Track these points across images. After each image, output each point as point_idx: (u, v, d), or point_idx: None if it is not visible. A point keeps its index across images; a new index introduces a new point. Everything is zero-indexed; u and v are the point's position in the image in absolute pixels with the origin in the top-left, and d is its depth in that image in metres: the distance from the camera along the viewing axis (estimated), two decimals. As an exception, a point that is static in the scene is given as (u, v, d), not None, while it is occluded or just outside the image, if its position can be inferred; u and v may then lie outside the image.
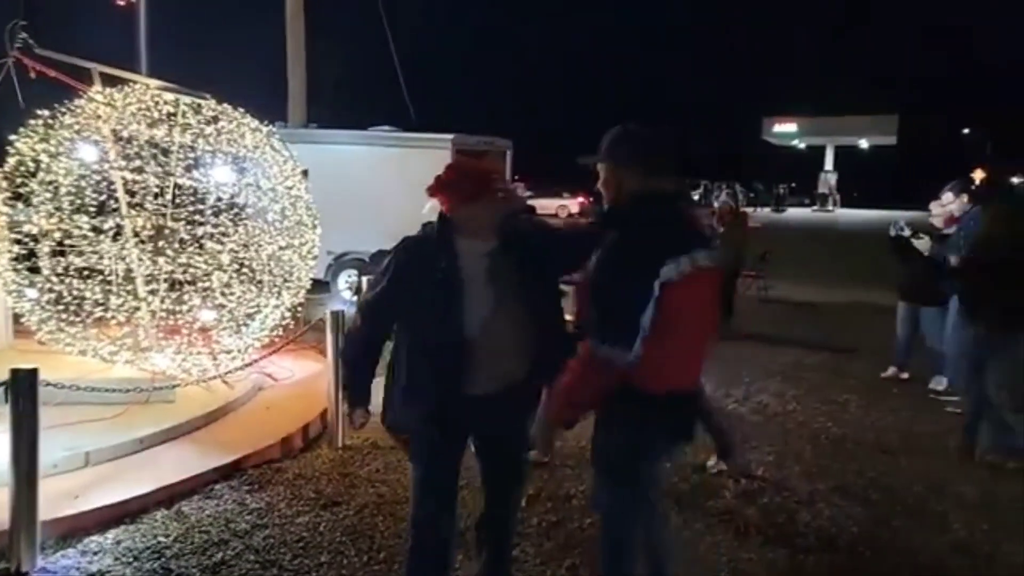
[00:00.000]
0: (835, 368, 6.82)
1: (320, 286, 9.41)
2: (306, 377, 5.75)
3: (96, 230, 4.76)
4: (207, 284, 5.04)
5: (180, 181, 5.02)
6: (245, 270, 5.36)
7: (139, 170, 4.73)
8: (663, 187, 2.34)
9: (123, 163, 4.80)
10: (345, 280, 9.63)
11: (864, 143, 48.08)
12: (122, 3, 15.35)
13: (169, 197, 5.07)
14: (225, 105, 5.25)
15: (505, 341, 2.38)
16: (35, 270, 4.67)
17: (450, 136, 9.33)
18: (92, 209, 4.82)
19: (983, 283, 4.38)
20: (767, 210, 39.68)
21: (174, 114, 4.87)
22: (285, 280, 5.42)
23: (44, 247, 4.52)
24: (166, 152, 4.93)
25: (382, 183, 9.22)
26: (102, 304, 4.52)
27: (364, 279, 6.39)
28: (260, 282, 5.43)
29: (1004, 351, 4.27)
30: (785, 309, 10.30)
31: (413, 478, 2.57)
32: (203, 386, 4.90)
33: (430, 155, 9.32)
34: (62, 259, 4.53)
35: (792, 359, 7.12)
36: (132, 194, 4.89)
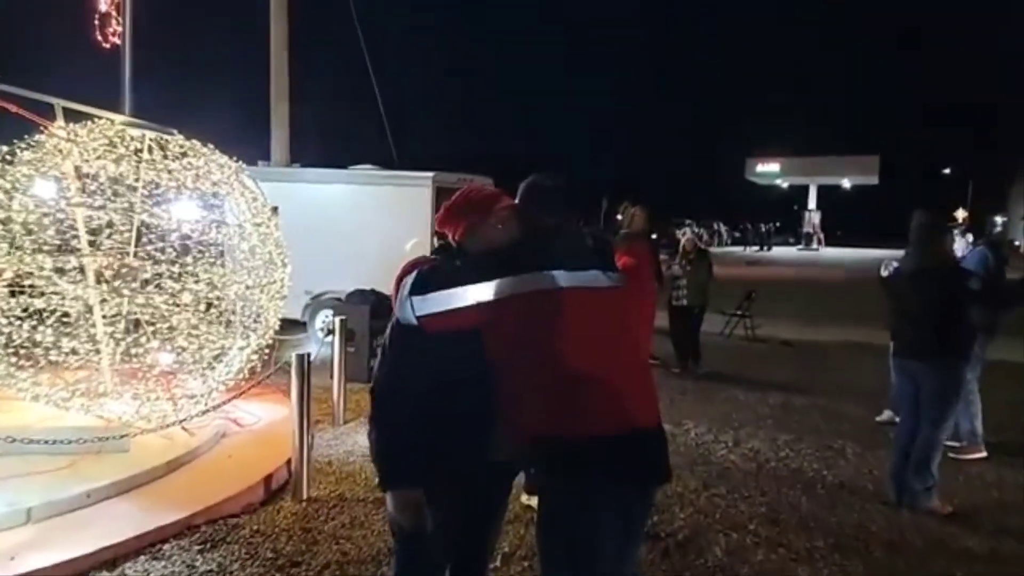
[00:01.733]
0: (827, 410, 6.61)
1: (298, 327, 9.18)
2: (273, 422, 5.46)
3: (59, 270, 4.53)
4: (170, 325, 4.80)
5: (143, 218, 4.81)
6: (212, 310, 5.13)
7: (101, 207, 4.51)
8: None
9: (85, 200, 4.59)
10: (322, 320, 9.38)
11: (847, 183, 48.78)
12: (107, 45, 15.38)
13: (132, 235, 4.86)
14: (193, 141, 5.08)
15: None
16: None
17: (430, 174, 9.21)
18: (49, 248, 4.60)
19: None
20: (754, 249, 39.93)
21: (140, 150, 4.68)
22: (254, 320, 5.19)
23: (-3, 288, 4.26)
24: (130, 189, 4.72)
25: (361, 221, 9.07)
26: (54, 348, 4.26)
27: (336, 319, 6.17)
28: (229, 323, 5.20)
29: None
30: (773, 348, 10.13)
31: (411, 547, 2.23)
32: (162, 434, 4.61)
33: (410, 193, 9.20)
34: (12, 300, 4.27)
35: (782, 401, 6.91)
36: (94, 232, 4.67)
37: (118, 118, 4.72)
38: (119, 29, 15.56)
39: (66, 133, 4.54)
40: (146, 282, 4.84)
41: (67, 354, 4.45)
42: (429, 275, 2.02)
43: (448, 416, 2.05)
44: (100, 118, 4.68)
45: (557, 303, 1.97)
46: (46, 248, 4.46)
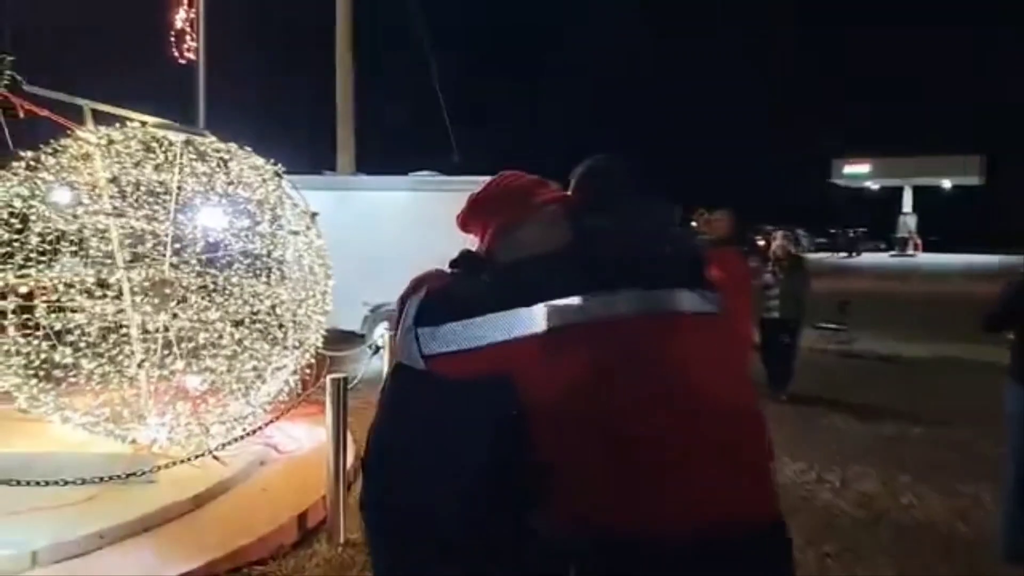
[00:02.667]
0: (950, 444, 5.63)
1: (358, 340, 8.84)
2: (316, 448, 5.01)
3: (88, 291, 4.24)
4: (213, 341, 4.43)
5: (176, 228, 4.46)
6: (258, 324, 4.75)
7: (124, 216, 4.19)
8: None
9: (115, 207, 4.27)
10: (379, 333, 9.02)
11: (946, 183, 45.45)
12: (183, 61, 15.76)
13: (170, 246, 4.52)
14: (231, 144, 4.72)
15: None
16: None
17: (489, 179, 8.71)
18: (84, 261, 4.32)
19: None
20: (841, 255, 37.65)
21: (172, 154, 4.35)
22: (297, 336, 4.77)
23: (10, 304, 3.97)
24: (157, 196, 4.39)
25: (420, 229, 8.65)
26: (73, 368, 3.94)
27: (387, 334, 5.71)
28: (274, 339, 4.81)
29: None
30: (872, 365, 9.08)
31: None
32: (196, 463, 4.22)
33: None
34: (31, 316, 3.98)
35: (893, 431, 5.97)
36: (132, 244, 4.36)
37: (150, 120, 4.40)
38: (193, 45, 15.97)
39: (95, 137, 4.24)
40: (184, 298, 4.50)
41: (97, 376, 4.12)
42: (443, 297, 1.42)
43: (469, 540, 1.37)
44: (131, 120, 4.37)
45: (630, 336, 1.36)
46: (71, 262, 4.16)
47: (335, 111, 15.09)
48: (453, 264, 1.63)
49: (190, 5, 15.11)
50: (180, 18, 15.46)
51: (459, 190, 8.91)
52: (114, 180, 4.24)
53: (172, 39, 15.14)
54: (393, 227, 8.78)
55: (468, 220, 1.68)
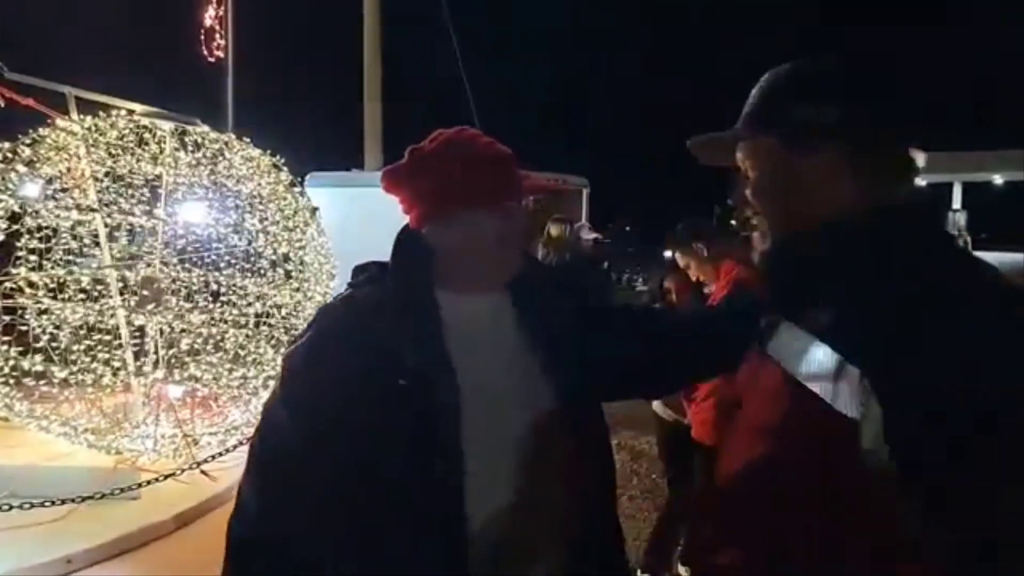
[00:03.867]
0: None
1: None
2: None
3: (85, 292, 3.96)
4: (219, 344, 4.13)
5: (176, 225, 4.17)
6: (262, 327, 4.44)
7: (111, 209, 3.89)
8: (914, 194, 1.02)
9: (101, 200, 3.99)
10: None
11: (998, 179, 43.67)
12: (212, 59, 15.73)
13: (160, 241, 4.22)
14: (228, 135, 4.41)
15: (541, 521, 1.20)
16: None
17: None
18: (67, 258, 4.05)
19: None
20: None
21: (156, 142, 4.05)
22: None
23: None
24: (149, 188, 4.10)
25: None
26: (47, 377, 3.65)
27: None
28: (278, 342, 4.49)
29: None
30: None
31: None
32: (180, 478, 3.91)
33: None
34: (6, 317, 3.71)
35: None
36: (111, 238, 4.07)
37: (138, 108, 4.11)
38: (223, 43, 15.93)
39: (80, 126, 3.95)
40: (189, 296, 4.20)
41: (82, 383, 3.83)
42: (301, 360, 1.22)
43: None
44: (118, 108, 4.08)
45: None
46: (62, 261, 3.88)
47: (363, 108, 14.91)
48: (357, 274, 1.35)
49: (219, 3, 15.08)
50: (209, 16, 15.46)
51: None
52: (107, 172, 3.97)
53: (201, 37, 15.14)
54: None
55: (397, 180, 1.28)
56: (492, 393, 1.18)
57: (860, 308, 0.87)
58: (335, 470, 1.15)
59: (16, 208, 3.62)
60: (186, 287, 4.24)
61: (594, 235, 7.06)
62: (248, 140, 4.49)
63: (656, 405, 3.83)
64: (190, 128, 4.12)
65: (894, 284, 0.86)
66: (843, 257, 0.93)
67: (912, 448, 0.77)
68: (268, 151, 4.41)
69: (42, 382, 3.61)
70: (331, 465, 1.14)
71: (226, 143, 4.41)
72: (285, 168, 4.45)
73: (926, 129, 1.07)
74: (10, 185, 3.61)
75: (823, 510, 0.86)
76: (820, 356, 0.89)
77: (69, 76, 4.33)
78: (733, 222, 6.78)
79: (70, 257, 4.19)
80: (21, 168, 3.64)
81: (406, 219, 1.28)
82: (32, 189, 3.72)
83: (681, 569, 3.74)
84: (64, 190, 3.77)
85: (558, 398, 1.21)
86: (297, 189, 4.50)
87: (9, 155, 3.75)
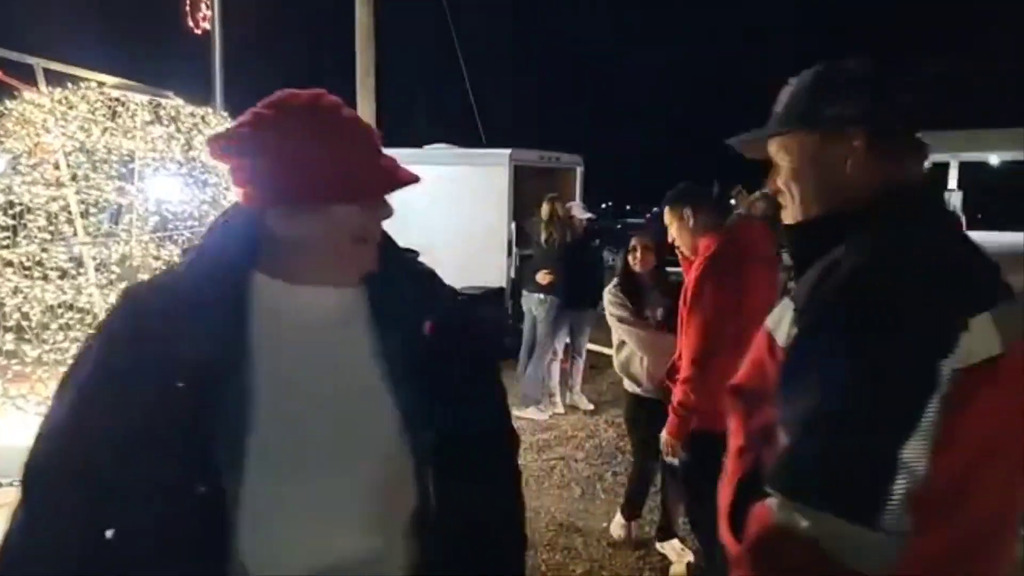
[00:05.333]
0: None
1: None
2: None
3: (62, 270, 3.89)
4: None
5: (148, 201, 4.09)
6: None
7: (81, 184, 3.81)
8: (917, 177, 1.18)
9: (74, 176, 3.90)
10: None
11: (994, 159, 43.38)
12: (198, 31, 15.47)
13: (135, 218, 4.15)
14: (206, 108, 4.32)
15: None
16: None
17: (507, 151, 8.22)
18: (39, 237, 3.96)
19: None
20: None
21: (129, 116, 3.96)
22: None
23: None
24: (124, 162, 4.02)
25: (434, 204, 8.21)
26: (18, 355, 3.60)
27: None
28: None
29: None
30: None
31: None
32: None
33: (485, 172, 8.29)
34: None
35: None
36: (84, 215, 3.99)
37: (109, 80, 4.02)
38: (208, 14, 15.66)
39: (49, 100, 3.85)
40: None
41: (51, 362, 3.77)
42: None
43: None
44: (87, 81, 3.98)
45: None
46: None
47: (355, 85, 14.72)
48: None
49: (203, -29, 14.78)
50: (193, -16, 15.16)
51: (471, 163, 8.32)
52: (79, 146, 3.88)
53: (187, 8, 14.86)
54: (405, 202, 8.35)
55: (226, 146, 1.06)
56: (306, 399, 1.01)
57: (821, 281, 1.04)
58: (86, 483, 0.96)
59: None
60: (164, 265, 4.17)
61: (587, 214, 7.03)
62: (226, 115, 4.40)
63: (625, 381, 3.85)
64: (163, 101, 4.03)
65: (855, 260, 1.02)
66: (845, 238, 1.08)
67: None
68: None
69: (14, 361, 3.55)
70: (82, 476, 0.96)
71: (202, 117, 4.32)
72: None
73: (936, 116, 1.18)
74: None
75: None
76: (786, 324, 1.08)
77: (45, 49, 4.23)
78: (733, 200, 6.74)
79: (45, 235, 4.11)
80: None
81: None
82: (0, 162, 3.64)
83: (659, 546, 3.77)
84: (34, 166, 3.69)
85: (393, 416, 1.04)
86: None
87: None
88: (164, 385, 0.94)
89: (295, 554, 0.99)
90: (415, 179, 1.12)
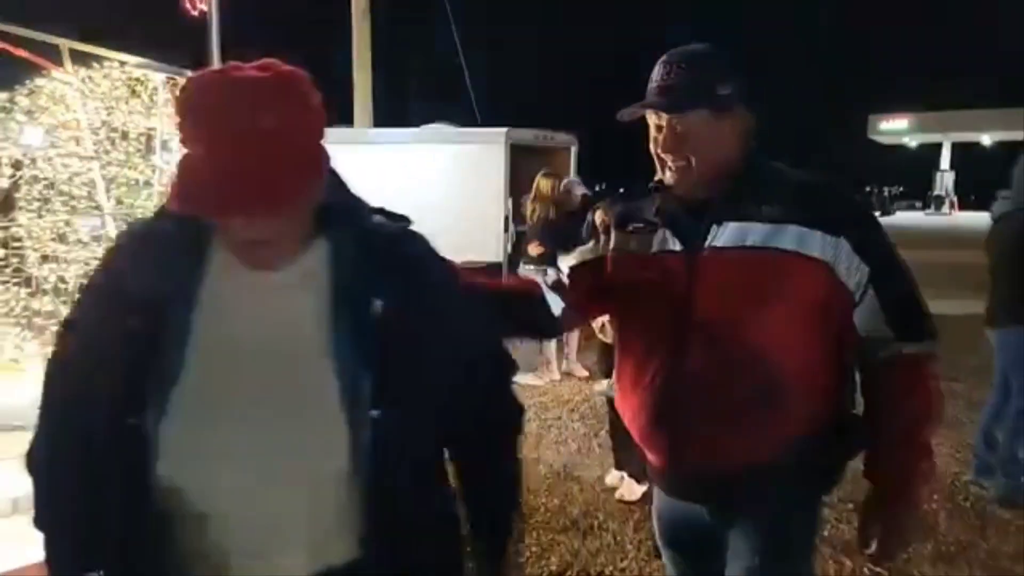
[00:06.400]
0: (970, 400, 5.42)
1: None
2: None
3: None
4: None
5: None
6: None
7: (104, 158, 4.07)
8: None
9: (96, 151, 4.16)
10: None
11: (986, 139, 43.59)
12: (195, 13, 15.53)
13: (155, 192, 4.40)
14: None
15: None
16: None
17: (503, 130, 8.45)
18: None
19: None
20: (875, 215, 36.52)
21: (148, 95, 4.21)
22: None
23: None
24: (148, 140, 4.27)
25: (430, 183, 8.46)
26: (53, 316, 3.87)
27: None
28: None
29: None
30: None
31: None
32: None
33: (481, 151, 8.50)
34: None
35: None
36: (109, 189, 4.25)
37: (130, 59, 4.25)
38: (205, -4, 15.69)
39: (75, 77, 4.10)
40: None
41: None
42: None
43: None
44: (110, 60, 4.21)
45: None
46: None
47: (351, 63, 14.77)
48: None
49: (200, -49, 14.77)
50: (191, -33, 15.16)
51: (467, 142, 8.56)
52: (103, 123, 4.12)
53: (183, -11, 14.90)
54: (403, 181, 8.59)
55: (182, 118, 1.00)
56: (242, 352, 1.04)
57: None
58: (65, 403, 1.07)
59: (19, 156, 3.80)
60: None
61: (583, 190, 7.28)
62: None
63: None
64: (180, 80, 4.26)
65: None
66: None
67: None
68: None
69: (52, 321, 3.82)
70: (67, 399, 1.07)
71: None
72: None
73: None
74: (11, 134, 3.78)
75: None
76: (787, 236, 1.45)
77: (42, 25, 4.41)
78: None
79: (71, 205, 4.36)
80: (21, 117, 3.80)
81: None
82: (34, 136, 3.88)
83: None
84: (67, 140, 3.93)
85: (331, 382, 1.04)
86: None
87: (8, 105, 3.90)
88: (121, 320, 1.01)
89: (214, 496, 1.03)
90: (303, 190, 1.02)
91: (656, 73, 1.50)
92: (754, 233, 1.44)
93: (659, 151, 1.51)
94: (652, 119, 1.52)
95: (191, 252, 1.06)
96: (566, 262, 4.19)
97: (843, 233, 1.41)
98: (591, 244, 4.20)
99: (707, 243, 1.47)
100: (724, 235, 1.46)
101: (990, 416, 3.84)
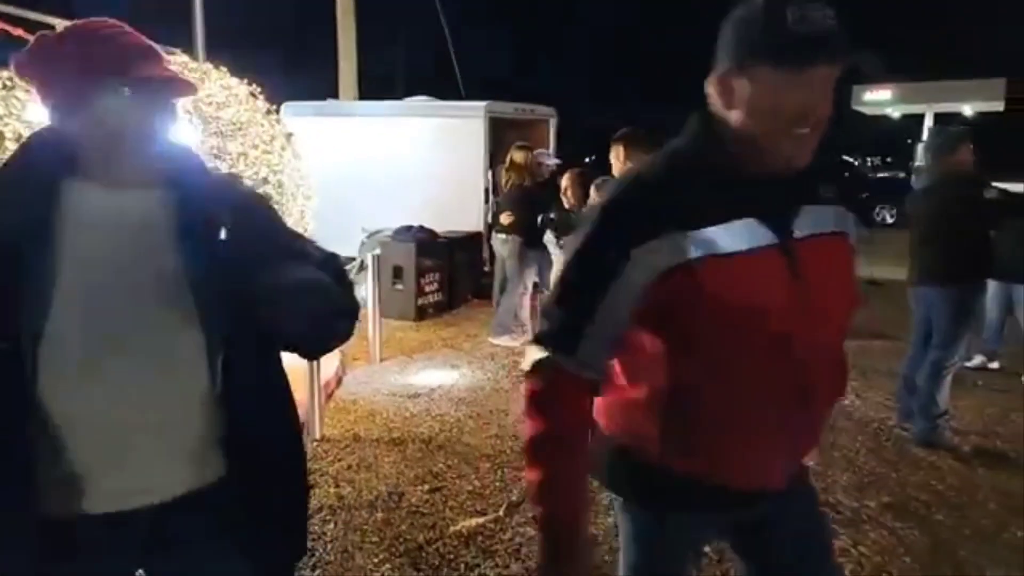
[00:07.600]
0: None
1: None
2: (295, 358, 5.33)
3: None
4: None
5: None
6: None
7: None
8: None
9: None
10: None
11: (967, 109, 43.80)
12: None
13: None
14: (206, 64, 4.85)
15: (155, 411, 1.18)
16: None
17: (483, 103, 8.71)
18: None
19: None
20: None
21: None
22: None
23: None
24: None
25: (412, 155, 8.75)
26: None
27: (369, 255, 6.04)
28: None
29: None
30: (860, 288, 9.19)
31: None
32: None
33: (461, 124, 8.76)
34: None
35: (857, 344, 6.17)
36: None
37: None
38: (188, -31, 15.62)
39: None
40: None
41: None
42: None
43: None
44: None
45: None
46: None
47: (336, 38, 14.81)
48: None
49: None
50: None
51: (447, 116, 8.82)
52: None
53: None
54: (385, 153, 8.85)
55: (28, 65, 1.19)
56: (105, 286, 1.15)
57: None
58: None
59: (23, 131, 4.07)
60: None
61: (554, 160, 7.60)
62: (224, 70, 4.93)
63: None
64: (170, 58, 4.54)
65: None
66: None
67: None
68: (244, 80, 4.87)
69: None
70: None
71: (204, 72, 4.84)
72: (261, 97, 4.92)
73: None
74: (13, 109, 4.04)
75: None
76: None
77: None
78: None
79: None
80: (22, 95, 4.06)
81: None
82: (37, 112, 4.14)
83: None
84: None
85: (188, 311, 1.16)
86: (273, 117, 4.96)
87: (8, 83, 4.17)
88: None
89: (87, 419, 1.14)
90: (167, 74, 1.20)
91: (814, 14, 1.12)
92: (815, 215, 1.25)
93: (817, 113, 1.20)
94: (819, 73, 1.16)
95: (37, 199, 1.15)
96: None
97: (851, 209, 1.34)
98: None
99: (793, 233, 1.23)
100: (802, 221, 1.23)
101: (910, 365, 4.26)
